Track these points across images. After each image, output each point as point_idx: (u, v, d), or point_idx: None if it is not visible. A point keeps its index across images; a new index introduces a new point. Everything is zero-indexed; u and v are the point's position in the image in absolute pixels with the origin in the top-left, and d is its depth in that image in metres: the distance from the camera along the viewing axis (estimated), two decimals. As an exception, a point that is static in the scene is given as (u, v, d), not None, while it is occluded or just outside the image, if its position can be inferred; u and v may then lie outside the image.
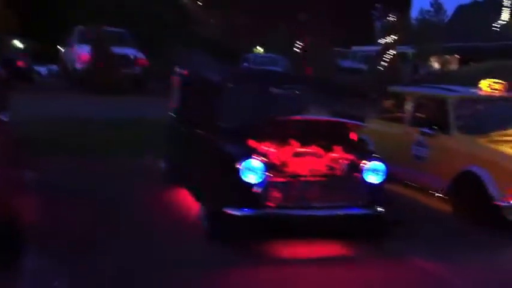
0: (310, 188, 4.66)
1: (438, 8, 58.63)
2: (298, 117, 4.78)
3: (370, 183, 4.82)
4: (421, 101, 7.07)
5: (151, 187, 6.53)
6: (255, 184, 4.49)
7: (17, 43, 26.29)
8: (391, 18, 21.00)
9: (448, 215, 6.14)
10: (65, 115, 10.71)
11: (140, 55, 17.75)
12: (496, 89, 6.67)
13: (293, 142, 4.91)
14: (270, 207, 4.56)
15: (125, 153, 8.28)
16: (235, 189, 4.50)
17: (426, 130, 6.69)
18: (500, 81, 6.74)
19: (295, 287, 4.12)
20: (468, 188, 5.93)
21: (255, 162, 4.48)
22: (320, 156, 4.87)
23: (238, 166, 4.46)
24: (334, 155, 4.93)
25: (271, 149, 4.79)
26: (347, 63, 22.53)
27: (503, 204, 5.57)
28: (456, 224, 5.92)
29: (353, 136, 5.00)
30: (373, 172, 4.83)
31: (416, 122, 6.99)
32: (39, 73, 24.06)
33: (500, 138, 6.10)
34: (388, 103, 7.82)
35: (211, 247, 4.66)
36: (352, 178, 4.79)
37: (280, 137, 4.90)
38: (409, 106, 7.17)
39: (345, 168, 4.83)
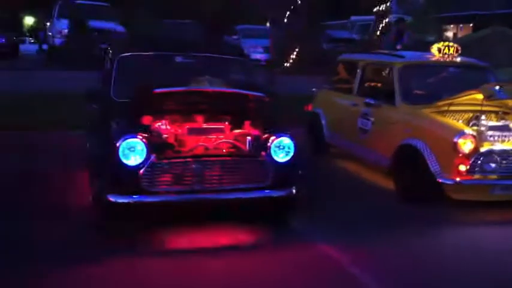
0: (207, 169, 4.10)
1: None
2: (195, 88, 4.18)
3: (278, 161, 4.26)
4: (368, 69, 6.45)
5: (69, 167, 6.07)
6: (138, 166, 3.96)
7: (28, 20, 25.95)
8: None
9: (389, 193, 5.58)
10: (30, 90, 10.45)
11: (120, 29, 17.21)
12: (448, 54, 6.01)
13: (189, 117, 4.36)
14: (158, 192, 4.03)
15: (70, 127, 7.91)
16: (116, 172, 3.96)
17: (370, 100, 6.10)
18: (452, 44, 6.07)
19: (186, 280, 3.63)
20: (408, 163, 5.35)
21: (137, 141, 3.94)
22: (220, 133, 4.31)
23: (117, 145, 3.92)
24: (237, 131, 4.37)
25: (163, 125, 4.25)
26: (342, 34, 21.63)
27: (445, 181, 4.99)
28: (393, 203, 5.36)
29: (259, 110, 4.42)
30: (281, 149, 4.27)
31: (363, 92, 6.39)
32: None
33: (447, 108, 5.47)
34: (339, 72, 7.20)
35: (96, 237, 4.18)
36: (257, 157, 4.23)
37: (175, 112, 4.34)
38: (357, 75, 6.56)
39: (249, 145, 4.28)
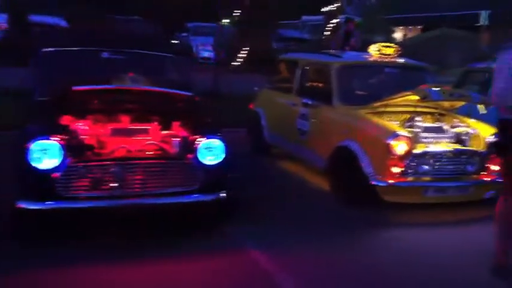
0: (129, 172, 3.87)
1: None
2: (115, 86, 3.94)
3: (206, 164, 4.07)
4: (307, 69, 6.35)
5: None
6: (52, 170, 3.69)
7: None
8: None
9: (327, 196, 5.49)
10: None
11: (64, 24, 16.62)
12: (387, 54, 5.97)
13: (113, 117, 4.12)
14: (74, 198, 3.77)
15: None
16: (27, 176, 3.69)
17: (308, 101, 6.00)
18: (391, 44, 6.04)
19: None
20: (344, 165, 5.27)
21: (50, 143, 3.68)
22: (145, 134, 4.09)
23: (27, 147, 3.65)
24: (163, 132, 4.16)
25: (83, 126, 4.00)
26: (292, 33, 21.68)
27: (379, 183, 4.93)
28: (331, 206, 5.26)
29: (188, 110, 4.22)
30: (210, 151, 4.08)
31: (302, 92, 6.29)
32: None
33: (383, 109, 5.43)
34: (280, 71, 7.08)
35: (10, 247, 3.88)
36: (185, 159, 4.03)
37: (98, 111, 4.09)
38: (297, 74, 6.45)
39: (176, 148, 4.07)
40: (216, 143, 4.08)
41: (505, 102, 3.69)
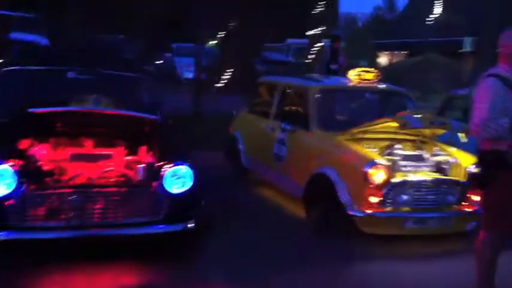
0: (89, 201, 3.63)
1: (390, 5, 58.25)
2: (75, 109, 3.72)
3: (172, 193, 3.84)
4: (285, 93, 6.18)
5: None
6: (5, 197, 3.43)
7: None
8: (319, 9, 20.20)
9: (304, 225, 5.26)
10: None
11: (45, 42, 16.38)
12: (366, 79, 5.83)
13: (74, 141, 3.89)
14: (30, 228, 3.52)
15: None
16: (-23, 203, 3.44)
17: (286, 126, 5.81)
18: (371, 69, 5.90)
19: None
20: (321, 194, 5.06)
21: (3, 168, 3.43)
22: (108, 160, 3.87)
23: (-21, 173, 3.40)
24: (127, 158, 3.94)
25: (42, 151, 3.76)
26: (277, 56, 21.64)
27: (356, 213, 4.73)
28: (306, 236, 5.05)
29: (156, 135, 4.00)
30: (177, 179, 3.86)
31: (280, 116, 6.11)
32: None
33: (362, 136, 5.26)
34: (259, 94, 6.91)
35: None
36: (149, 187, 3.80)
37: (59, 135, 3.86)
38: (275, 98, 6.28)
39: (140, 175, 3.85)
40: (184, 170, 3.86)
41: (485, 133, 3.53)
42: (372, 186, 4.66)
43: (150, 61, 21.79)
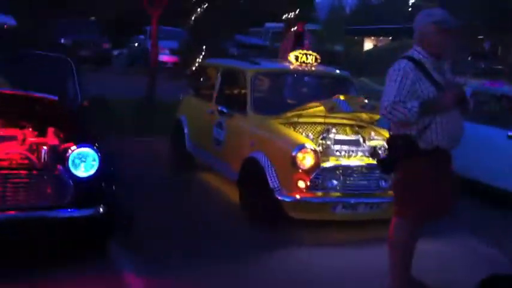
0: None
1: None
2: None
3: (78, 176, 3.70)
4: (225, 76, 6.02)
5: None
6: None
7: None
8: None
9: (236, 212, 5.16)
10: None
11: (13, 22, 16.03)
12: (306, 62, 5.70)
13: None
14: None
15: None
16: None
17: (223, 109, 5.68)
18: (311, 52, 5.77)
19: None
20: (252, 178, 4.96)
21: None
22: (8, 142, 3.70)
23: None
24: (29, 139, 3.77)
25: None
26: (252, 40, 21.40)
27: (284, 198, 4.62)
28: (238, 222, 4.94)
29: (59, 115, 3.84)
30: (82, 161, 3.70)
31: (220, 100, 5.97)
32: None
33: (297, 120, 5.15)
34: (202, 77, 6.76)
35: None
36: (53, 170, 3.64)
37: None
38: (216, 81, 6.13)
39: (44, 157, 3.69)
40: (89, 152, 3.71)
41: (393, 117, 3.42)
42: (300, 170, 4.56)
43: (122, 44, 21.49)
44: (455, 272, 4.19)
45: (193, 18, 18.71)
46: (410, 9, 25.41)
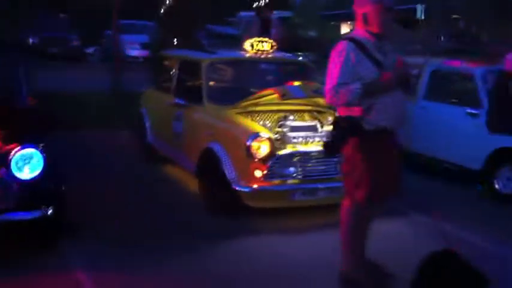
0: None
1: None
2: None
3: (22, 178, 3.61)
4: (182, 67, 5.94)
5: None
6: None
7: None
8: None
9: (196, 203, 5.12)
10: None
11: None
12: (262, 50, 5.64)
13: None
14: None
15: None
16: None
17: (180, 101, 5.60)
18: (267, 40, 5.72)
19: None
20: (209, 169, 4.91)
21: None
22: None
23: None
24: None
25: None
26: (225, 30, 21.26)
27: (241, 188, 4.59)
28: (199, 215, 4.90)
29: (2, 115, 3.75)
30: (26, 163, 3.62)
31: (178, 91, 5.89)
32: None
33: (253, 108, 5.09)
34: (162, 69, 6.66)
35: None
36: (-4, 172, 3.57)
37: None
38: (174, 72, 6.05)
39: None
40: (33, 153, 3.63)
41: (336, 100, 3.39)
42: (256, 159, 4.52)
43: (94, 41, 21.20)
44: (412, 252, 4.19)
45: (162, 9, 18.53)
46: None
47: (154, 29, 19.86)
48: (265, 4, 13.07)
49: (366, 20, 3.44)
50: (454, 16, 26.00)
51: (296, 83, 4.89)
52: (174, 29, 18.03)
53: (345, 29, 29.86)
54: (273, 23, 11.75)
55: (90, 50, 21.07)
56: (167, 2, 18.57)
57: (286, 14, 21.05)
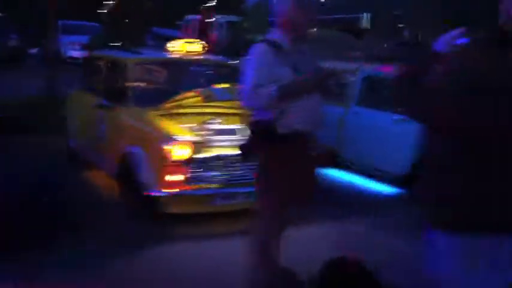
0: None
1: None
2: None
3: None
4: (108, 67, 5.74)
5: None
6: None
7: None
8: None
9: (116, 209, 4.93)
10: None
11: None
12: (191, 51, 5.51)
13: None
14: None
15: None
16: None
17: (104, 102, 5.40)
18: (196, 40, 5.60)
19: None
20: (128, 174, 4.74)
21: None
22: None
23: None
24: None
25: None
26: (169, 32, 20.97)
27: (159, 193, 4.43)
28: (112, 221, 4.71)
29: None
30: None
31: (102, 93, 5.67)
32: None
33: (176, 111, 4.94)
34: (89, 70, 6.43)
35: None
36: None
37: None
38: (100, 73, 5.84)
39: None
40: None
41: (252, 102, 3.30)
42: (173, 163, 4.38)
43: (36, 42, 20.51)
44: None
45: (106, 11, 18.18)
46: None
47: (97, 30, 19.46)
48: (206, 8, 13.03)
49: (284, 23, 3.37)
50: (400, 25, 26.67)
51: (222, 86, 4.78)
52: (119, 31, 17.75)
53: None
54: (214, 26, 11.67)
55: (33, 51, 20.37)
56: (111, 3, 18.25)
57: (234, 18, 21.06)
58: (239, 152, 3.44)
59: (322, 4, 25.58)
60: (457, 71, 1.99)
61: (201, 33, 11.20)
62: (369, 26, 26.03)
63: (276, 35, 3.40)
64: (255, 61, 3.28)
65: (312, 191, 3.56)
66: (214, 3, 18.61)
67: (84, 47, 17.49)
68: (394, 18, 25.68)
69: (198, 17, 21.41)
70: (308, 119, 3.38)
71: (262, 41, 3.40)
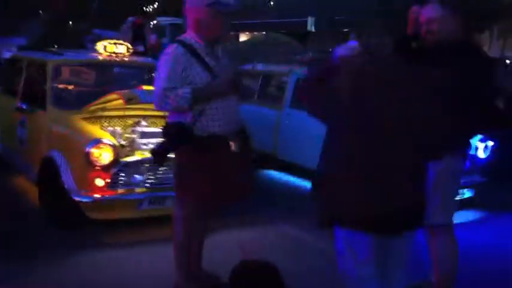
0: None
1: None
2: None
3: None
4: (29, 69, 5.48)
5: None
6: None
7: None
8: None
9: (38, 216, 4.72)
10: None
11: None
12: (116, 53, 5.36)
13: None
14: None
15: None
16: None
17: (23, 105, 5.17)
18: (121, 42, 5.46)
19: None
20: (49, 179, 4.55)
21: None
22: None
23: None
24: None
25: None
26: (107, 34, 20.51)
27: (82, 199, 4.26)
28: (33, 228, 4.51)
29: None
30: None
31: (23, 96, 5.42)
32: None
33: (99, 113, 4.77)
34: (10, 72, 6.15)
35: None
36: None
37: None
38: (21, 75, 5.57)
39: None
40: None
41: (165, 105, 3.22)
42: (97, 167, 4.23)
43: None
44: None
45: (44, 12, 17.63)
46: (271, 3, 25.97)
47: (35, 31, 18.81)
48: (143, 11, 12.85)
49: (197, 23, 3.30)
50: (345, 30, 27.17)
51: (147, 88, 4.67)
52: (58, 32, 17.24)
53: (243, 38, 30.20)
54: (155, 28, 11.55)
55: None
56: (51, 5, 17.70)
57: (177, 20, 20.81)
58: (152, 155, 3.35)
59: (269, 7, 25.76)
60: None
61: (137, 36, 11.01)
62: (313, 30, 26.33)
63: (189, 36, 3.33)
64: (168, 62, 3.21)
65: (240, 192, 3.48)
66: (155, 6, 18.34)
67: (21, 49, 16.85)
68: (337, 23, 26.10)
69: (134, 19, 21.08)
70: (225, 121, 3.32)
71: (175, 41, 3.34)
